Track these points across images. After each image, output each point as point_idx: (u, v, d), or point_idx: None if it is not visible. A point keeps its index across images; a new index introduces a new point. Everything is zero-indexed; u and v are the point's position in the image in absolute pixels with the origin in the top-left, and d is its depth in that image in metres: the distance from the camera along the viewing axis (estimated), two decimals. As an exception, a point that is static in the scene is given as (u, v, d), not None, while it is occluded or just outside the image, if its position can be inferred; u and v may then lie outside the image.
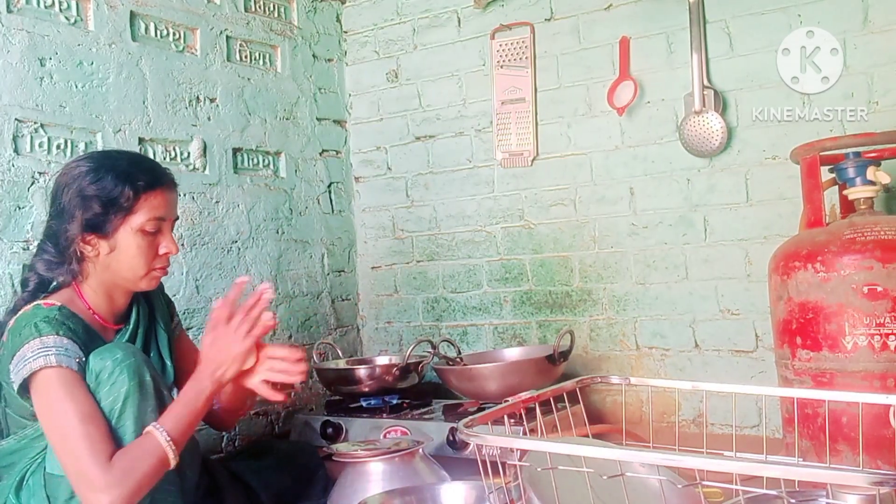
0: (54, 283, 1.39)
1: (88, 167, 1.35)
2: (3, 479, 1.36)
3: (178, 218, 1.46)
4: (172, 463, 1.25)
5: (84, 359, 1.28)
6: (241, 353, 1.34)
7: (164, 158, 2.02)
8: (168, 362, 1.50)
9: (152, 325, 1.50)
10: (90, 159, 1.39)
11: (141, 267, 1.38)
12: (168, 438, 1.24)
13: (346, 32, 2.66)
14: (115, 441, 1.24)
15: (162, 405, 1.30)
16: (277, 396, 1.41)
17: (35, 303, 1.33)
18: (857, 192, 1.66)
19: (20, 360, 1.24)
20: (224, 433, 2.11)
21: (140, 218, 1.35)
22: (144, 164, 1.42)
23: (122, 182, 1.34)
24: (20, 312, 1.32)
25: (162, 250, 1.40)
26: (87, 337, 1.32)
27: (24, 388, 1.25)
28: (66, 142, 1.80)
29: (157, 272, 1.41)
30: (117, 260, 1.36)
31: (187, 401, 1.31)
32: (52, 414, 1.23)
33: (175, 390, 1.48)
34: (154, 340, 1.50)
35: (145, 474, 1.21)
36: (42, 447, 1.31)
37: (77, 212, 1.33)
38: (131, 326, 1.45)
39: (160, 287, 1.57)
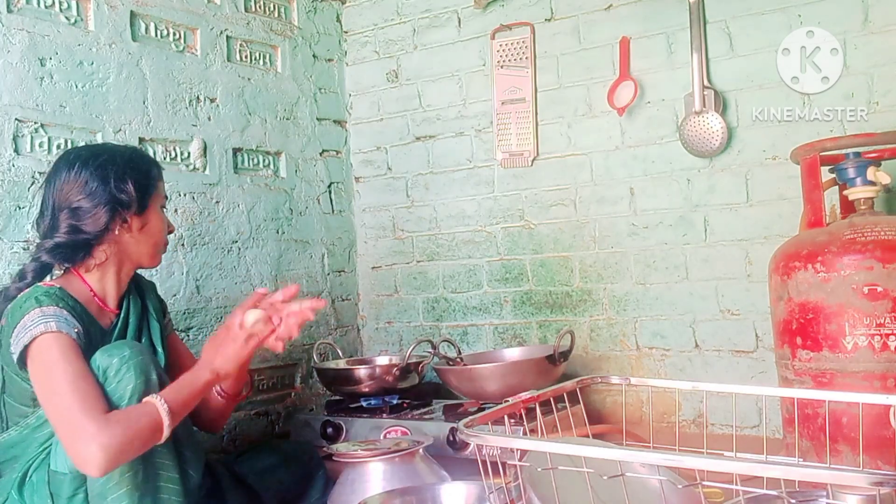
0: (49, 274, 1.43)
1: (111, 155, 1.44)
2: (5, 474, 1.36)
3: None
4: (166, 431, 1.24)
5: (82, 330, 1.30)
6: (242, 357, 1.36)
7: (164, 158, 2.02)
8: (160, 349, 1.53)
9: (145, 314, 1.53)
10: (106, 150, 1.47)
11: (163, 241, 1.51)
12: (165, 405, 1.24)
13: (346, 32, 2.66)
14: None
15: None
16: (277, 346, 1.40)
17: (34, 285, 1.36)
18: (857, 193, 1.66)
19: (21, 330, 1.26)
20: (224, 433, 2.11)
21: (160, 197, 1.50)
22: (147, 154, 1.61)
23: (148, 164, 1.49)
24: (19, 294, 1.34)
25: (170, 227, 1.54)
26: (84, 318, 1.35)
27: (23, 359, 1.27)
28: (66, 142, 1.80)
29: (165, 248, 1.54)
30: (147, 234, 1.47)
31: (187, 381, 1.33)
32: (45, 375, 1.24)
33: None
34: (147, 329, 1.53)
35: (137, 432, 1.20)
36: (43, 439, 1.32)
37: (113, 193, 1.39)
38: (123, 313, 1.47)
39: (153, 287, 1.62)
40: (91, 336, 1.35)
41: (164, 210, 1.52)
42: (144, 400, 1.25)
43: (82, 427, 1.17)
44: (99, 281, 1.42)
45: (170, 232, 1.53)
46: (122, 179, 1.40)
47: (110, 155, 1.43)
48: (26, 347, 1.25)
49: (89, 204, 1.39)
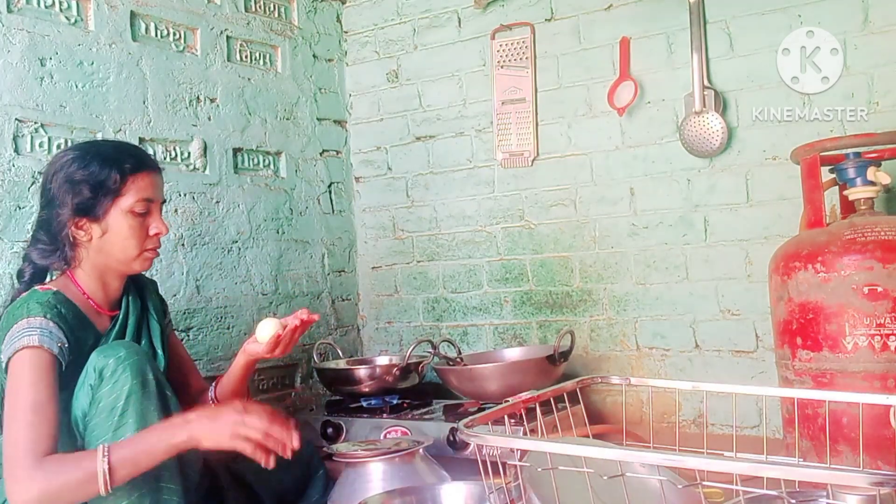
0: (49, 274, 1.43)
1: (75, 155, 1.39)
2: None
3: (165, 201, 1.50)
4: (102, 491, 1.17)
5: (67, 344, 1.29)
6: (223, 443, 1.27)
7: (165, 158, 2.02)
8: (160, 351, 1.52)
9: (144, 314, 1.52)
10: (76, 149, 1.43)
11: (133, 248, 1.41)
12: (106, 465, 1.17)
13: (346, 32, 2.66)
14: (115, 438, 1.24)
15: (164, 404, 1.31)
16: (267, 462, 1.31)
17: (32, 288, 1.36)
18: (857, 193, 1.65)
19: (9, 339, 1.27)
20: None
21: (129, 199, 1.39)
22: (129, 149, 1.48)
23: (108, 166, 1.38)
24: (17, 299, 1.34)
25: (152, 231, 1.43)
26: (79, 323, 1.35)
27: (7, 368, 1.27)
28: (66, 142, 1.79)
29: (149, 253, 1.45)
30: (110, 242, 1.40)
31: (151, 438, 1.23)
32: (12, 394, 1.24)
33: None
34: (146, 329, 1.52)
35: (68, 485, 1.17)
36: None
37: (67, 197, 1.36)
38: (121, 314, 1.46)
39: (154, 286, 1.61)
40: (82, 343, 1.34)
41: (146, 211, 1.41)
42: (97, 447, 1.19)
43: (18, 466, 1.17)
44: (88, 283, 1.42)
45: (159, 234, 1.44)
46: (70, 188, 1.36)
47: (75, 159, 1.38)
48: (9, 359, 1.25)
49: (45, 210, 1.41)
